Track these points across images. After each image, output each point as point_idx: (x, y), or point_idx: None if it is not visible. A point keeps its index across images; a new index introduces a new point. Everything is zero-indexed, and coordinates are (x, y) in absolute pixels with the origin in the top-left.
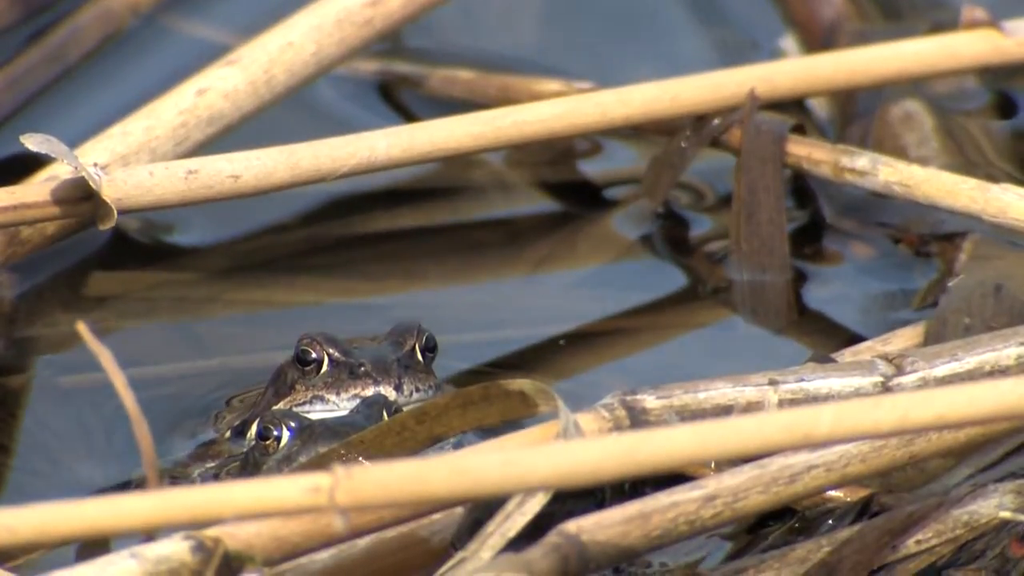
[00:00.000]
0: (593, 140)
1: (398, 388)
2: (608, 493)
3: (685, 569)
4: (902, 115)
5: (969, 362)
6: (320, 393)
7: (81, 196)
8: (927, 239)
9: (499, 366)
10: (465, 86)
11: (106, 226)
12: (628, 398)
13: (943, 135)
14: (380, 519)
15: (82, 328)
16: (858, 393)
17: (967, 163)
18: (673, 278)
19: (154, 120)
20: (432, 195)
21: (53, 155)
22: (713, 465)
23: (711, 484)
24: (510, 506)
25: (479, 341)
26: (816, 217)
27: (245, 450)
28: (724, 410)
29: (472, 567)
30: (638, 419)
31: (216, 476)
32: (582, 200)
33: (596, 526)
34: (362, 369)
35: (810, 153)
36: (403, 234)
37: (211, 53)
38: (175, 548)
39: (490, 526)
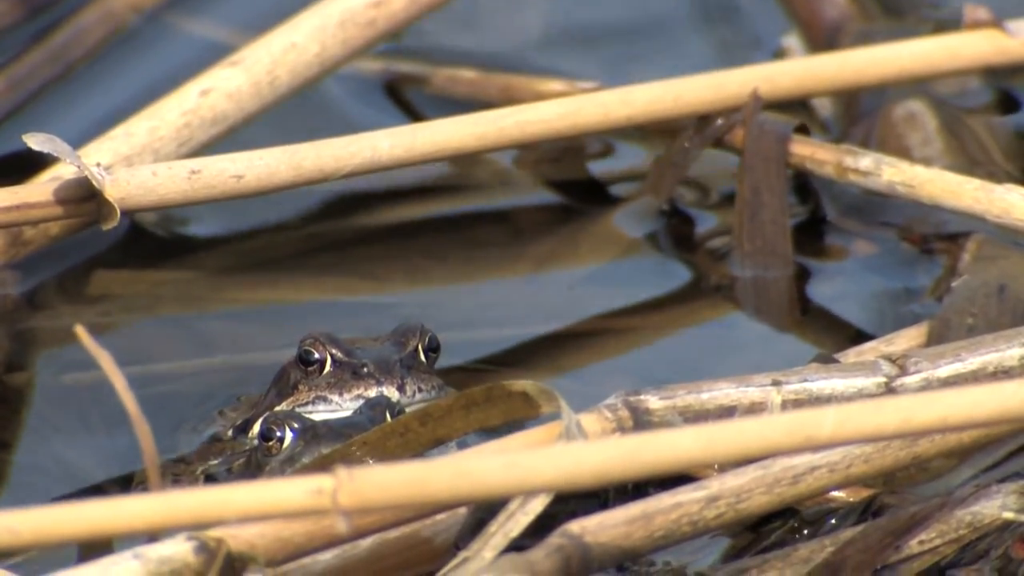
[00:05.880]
0: (597, 137)
1: (401, 389)
2: (611, 493)
3: (689, 569)
4: (906, 115)
5: (972, 363)
6: (323, 394)
7: (84, 196)
8: (931, 239)
9: (502, 364)
10: (468, 86)
11: (109, 226)
12: (631, 399)
13: (947, 135)
14: (383, 520)
15: (80, 330)
16: (861, 394)
17: (971, 163)
18: (677, 275)
19: (158, 121)
20: (435, 192)
21: (56, 155)
22: (716, 466)
23: (714, 485)
24: (513, 506)
25: (482, 339)
26: (819, 217)
27: (247, 448)
28: (727, 411)
29: (475, 567)
30: (641, 420)
31: (219, 474)
32: (586, 197)
33: (599, 526)
34: (365, 370)
35: (813, 153)
36: (406, 231)
37: (214, 52)
38: (178, 549)
39: (493, 526)
